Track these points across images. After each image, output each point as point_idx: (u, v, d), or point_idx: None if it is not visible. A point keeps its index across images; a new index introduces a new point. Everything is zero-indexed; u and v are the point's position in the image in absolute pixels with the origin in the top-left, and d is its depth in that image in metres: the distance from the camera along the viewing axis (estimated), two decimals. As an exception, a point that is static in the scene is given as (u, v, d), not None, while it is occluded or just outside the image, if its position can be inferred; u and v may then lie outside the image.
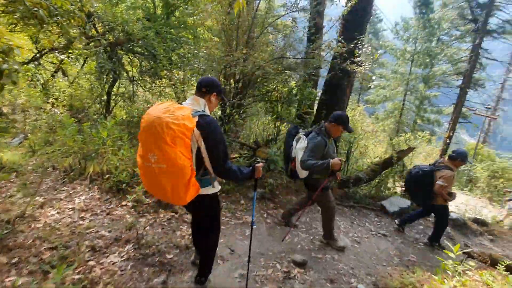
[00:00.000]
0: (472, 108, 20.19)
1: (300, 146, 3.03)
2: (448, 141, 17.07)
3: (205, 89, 1.93)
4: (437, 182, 3.67)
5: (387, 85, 21.42)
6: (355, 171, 5.73)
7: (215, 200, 2.05)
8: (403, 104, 20.40)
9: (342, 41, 4.85)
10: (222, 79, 4.82)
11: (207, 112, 1.91)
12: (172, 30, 5.70)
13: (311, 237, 3.65)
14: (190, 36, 6.36)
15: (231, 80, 4.96)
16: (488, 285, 2.31)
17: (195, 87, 2.05)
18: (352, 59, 5.03)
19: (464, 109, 19.63)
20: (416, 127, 20.67)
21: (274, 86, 5.62)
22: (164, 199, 1.85)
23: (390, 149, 8.13)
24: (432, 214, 4.18)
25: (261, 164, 2.07)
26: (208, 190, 1.93)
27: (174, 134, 1.59)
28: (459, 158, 3.76)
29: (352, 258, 3.32)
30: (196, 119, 1.74)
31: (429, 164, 4.03)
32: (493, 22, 19.78)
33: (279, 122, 6.50)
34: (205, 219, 2.12)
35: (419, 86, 20.09)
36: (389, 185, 5.61)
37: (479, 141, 20.09)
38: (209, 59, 4.70)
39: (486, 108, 18.42)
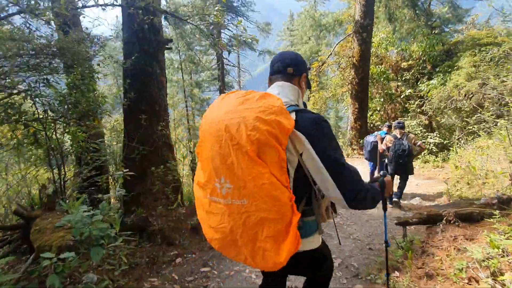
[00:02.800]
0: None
1: None
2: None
3: (292, 69, 1.15)
4: (419, 143, 4.43)
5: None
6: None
7: (324, 255, 1.25)
8: (187, 110, 21.18)
9: None
10: None
11: (301, 105, 1.13)
12: None
13: None
14: None
15: None
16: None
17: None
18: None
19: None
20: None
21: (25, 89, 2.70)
22: (242, 260, 1.01)
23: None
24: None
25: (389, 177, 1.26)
26: (312, 242, 1.13)
27: (262, 139, 0.87)
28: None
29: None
30: (293, 116, 0.97)
31: (399, 138, 4.41)
32: (225, 37, 24.89)
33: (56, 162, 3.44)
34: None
35: (195, 91, 21.62)
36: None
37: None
38: None
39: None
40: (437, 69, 9.69)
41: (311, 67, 1.31)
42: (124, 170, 2.65)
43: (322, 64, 10.18)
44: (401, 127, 4.41)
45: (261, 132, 0.87)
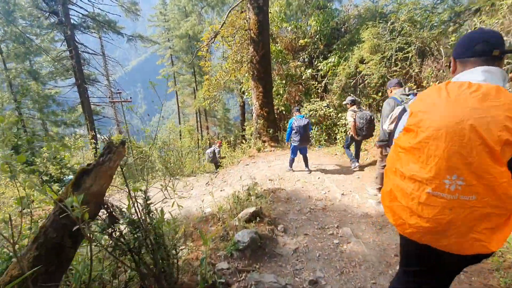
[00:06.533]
0: (98, 104, 19.58)
1: None
2: (94, 142, 13.70)
3: (499, 51, 1.03)
4: None
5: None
6: None
7: None
8: (20, 114, 14.18)
9: None
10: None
11: None
12: None
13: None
14: None
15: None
16: None
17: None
18: None
19: (93, 106, 18.12)
20: (46, 137, 15.46)
21: None
22: (440, 246, 1.04)
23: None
24: None
25: None
26: None
27: (509, 140, 0.88)
28: None
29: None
30: None
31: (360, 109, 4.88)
32: (77, 16, 18.56)
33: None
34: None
35: (31, 84, 14.70)
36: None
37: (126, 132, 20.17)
38: None
39: (117, 93, 18.08)
40: (333, 47, 9.22)
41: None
42: None
43: (215, 36, 7.86)
44: (355, 101, 5.04)
45: (510, 132, 0.87)
